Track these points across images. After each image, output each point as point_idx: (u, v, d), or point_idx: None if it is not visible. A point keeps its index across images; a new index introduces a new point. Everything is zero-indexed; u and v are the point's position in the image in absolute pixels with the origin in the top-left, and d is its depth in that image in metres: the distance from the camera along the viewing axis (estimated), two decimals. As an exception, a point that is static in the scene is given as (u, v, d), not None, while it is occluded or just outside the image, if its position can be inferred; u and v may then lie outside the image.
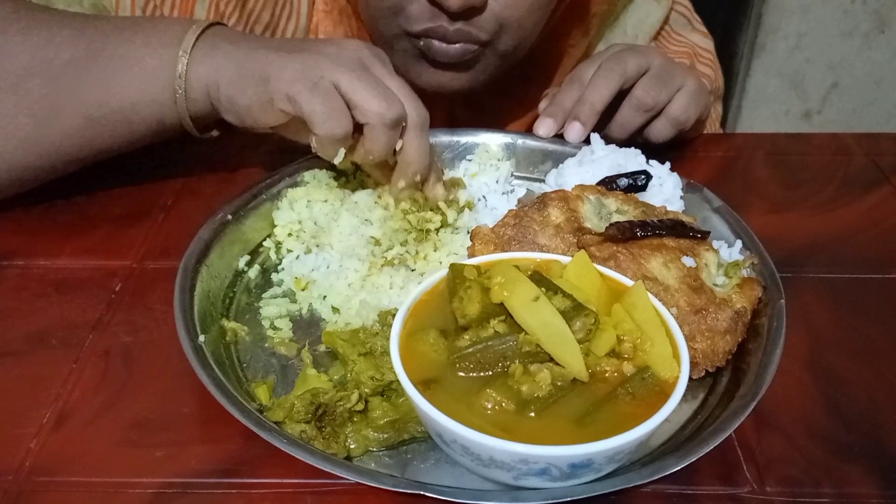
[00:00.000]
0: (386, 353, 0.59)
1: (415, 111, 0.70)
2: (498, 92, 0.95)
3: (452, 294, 0.56)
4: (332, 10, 0.91)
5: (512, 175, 0.85)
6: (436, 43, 0.81)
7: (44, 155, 0.73)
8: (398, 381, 0.51)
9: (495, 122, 0.97)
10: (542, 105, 0.87)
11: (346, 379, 0.60)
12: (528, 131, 0.87)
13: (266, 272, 0.73)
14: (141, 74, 0.71)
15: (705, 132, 0.97)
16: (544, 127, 0.84)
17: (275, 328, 0.67)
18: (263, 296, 0.70)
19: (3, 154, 0.71)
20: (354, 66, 0.68)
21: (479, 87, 0.89)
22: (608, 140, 0.82)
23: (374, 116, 0.66)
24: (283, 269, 0.73)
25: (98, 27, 0.72)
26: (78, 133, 0.72)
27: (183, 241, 0.70)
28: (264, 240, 0.76)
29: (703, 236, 0.68)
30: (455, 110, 1.00)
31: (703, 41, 1.06)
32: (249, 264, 0.74)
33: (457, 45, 0.81)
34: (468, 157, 0.86)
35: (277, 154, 0.86)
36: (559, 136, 0.84)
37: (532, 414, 0.49)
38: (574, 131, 0.82)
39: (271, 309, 0.68)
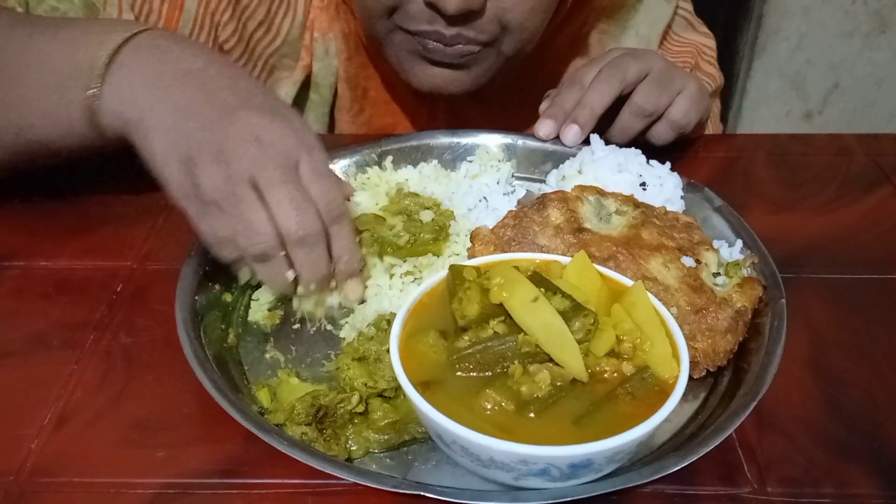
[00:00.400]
0: (379, 359, 0.59)
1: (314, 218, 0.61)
2: (502, 84, 0.95)
3: (452, 295, 0.56)
4: (327, 6, 0.91)
5: (512, 176, 0.85)
6: (430, 44, 0.80)
7: None
8: (397, 382, 0.51)
9: (500, 114, 0.97)
10: (543, 106, 0.87)
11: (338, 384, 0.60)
12: (530, 128, 0.87)
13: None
14: (57, 106, 0.67)
15: (706, 132, 0.97)
16: (545, 128, 0.84)
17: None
18: (254, 299, 0.70)
19: None
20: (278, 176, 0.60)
21: (479, 89, 0.88)
22: (608, 143, 0.82)
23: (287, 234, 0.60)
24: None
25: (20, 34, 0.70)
26: (12, 149, 0.72)
27: (184, 241, 0.70)
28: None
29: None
30: (457, 102, 0.99)
31: (706, 40, 1.06)
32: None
33: (456, 47, 0.80)
34: (469, 158, 0.85)
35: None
36: (557, 137, 0.84)
37: (532, 414, 0.49)
38: (571, 134, 0.82)
39: (257, 315, 0.68)
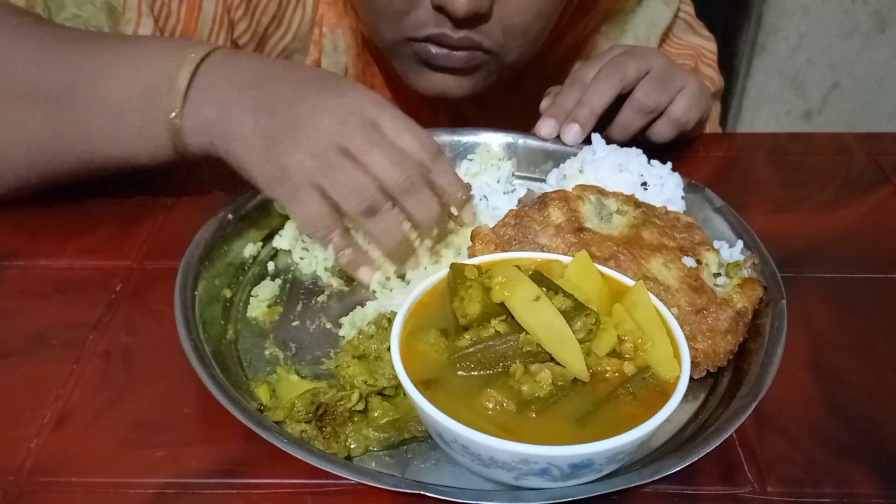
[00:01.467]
0: (379, 357, 0.59)
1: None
2: (503, 85, 0.95)
3: (453, 294, 0.56)
4: (335, 2, 0.91)
5: (513, 175, 0.85)
6: (434, 49, 0.81)
7: (43, 176, 0.74)
8: (398, 381, 0.51)
9: (500, 114, 0.97)
10: (544, 104, 0.87)
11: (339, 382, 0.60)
12: (531, 128, 0.87)
13: (266, 270, 0.73)
14: (137, 131, 0.69)
15: (706, 132, 0.97)
16: (546, 127, 0.84)
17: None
18: (253, 295, 0.70)
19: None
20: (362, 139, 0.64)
21: (481, 93, 0.88)
22: (609, 141, 0.82)
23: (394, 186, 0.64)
24: (276, 270, 0.73)
25: (84, 49, 0.71)
26: (67, 171, 0.73)
27: (183, 241, 0.70)
28: (265, 239, 0.76)
29: None
30: (459, 102, 0.99)
31: (706, 43, 1.07)
32: (250, 263, 0.74)
33: (462, 52, 0.81)
34: (469, 156, 0.85)
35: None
36: (558, 136, 0.84)
37: (533, 414, 0.49)
38: (571, 133, 0.82)
39: (256, 311, 0.69)
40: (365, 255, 0.68)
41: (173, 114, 0.67)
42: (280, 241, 0.75)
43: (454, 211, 0.69)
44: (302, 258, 0.73)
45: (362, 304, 0.68)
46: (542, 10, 0.81)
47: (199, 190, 0.83)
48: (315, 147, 0.63)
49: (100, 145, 0.71)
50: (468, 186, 0.71)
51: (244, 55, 0.72)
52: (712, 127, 1.06)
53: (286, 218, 0.76)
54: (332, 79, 0.69)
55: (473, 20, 0.78)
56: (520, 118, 0.88)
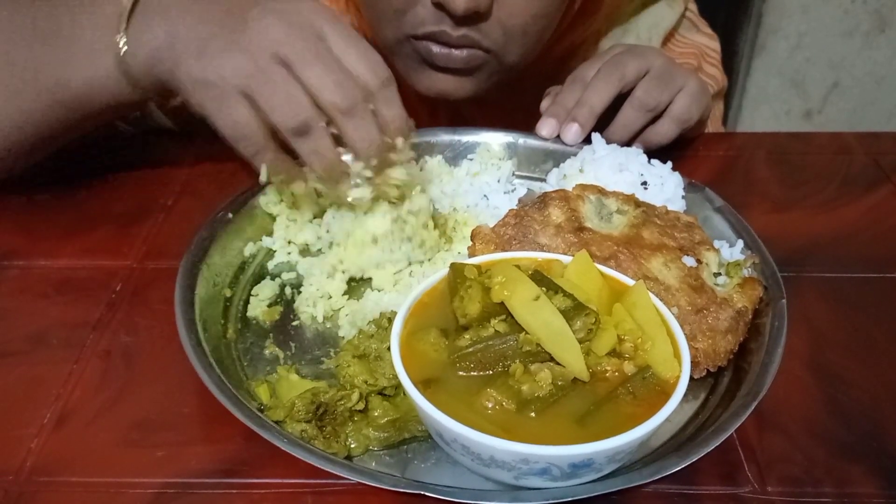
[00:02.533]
0: (380, 357, 0.59)
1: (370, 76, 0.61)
2: (504, 86, 0.95)
3: (453, 293, 0.56)
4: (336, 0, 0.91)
5: (513, 174, 0.85)
6: (434, 48, 0.80)
7: (6, 135, 0.71)
8: (398, 380, 0.51)
9: (500, 114, 0.97)
10: (545, 104, 0.87)
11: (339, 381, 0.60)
12: (531, 128, 0.86)
13: (266, 270, 0.73)
14: (90, 57, 0.67)
15: (706, 131, 0.97)
16: (547, 127, 0.84)
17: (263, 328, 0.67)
18: (254, 294, 0.70)
19: None
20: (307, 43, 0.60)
21: (482, 94, 0.88)
22: (609, 141, 0.81)
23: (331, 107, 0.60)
24: (276, 270, 0.73)
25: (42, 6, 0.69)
26: (39, 113, 0.70)
27: (183, 240, 0.70)
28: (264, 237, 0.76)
29: None
30: (458, 102, 0.99)
31: (709, 42, 1.06)
32: (250, 262, 0.74)
33: (462, 51, 0.81)
34: (469, 156, 0.85)
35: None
36: (558, 136, 0.84)
37: (532, 413, 0.49)
38: (571, 133, 0.82)
39: (257, 311, 0.69)
40: (298, 170, 0.64)
41: (118, 37, 0.64)
42: (268, 241, 0.75)
43: (398, 144, 0.65)
44: (290, 261, 0.73)
45: (357, 299, 0.68)
46: (541, 12, 0.81)
47: (199, 190, 0.83)
48: (251, 50, 0.59)
49: (56, 72, 0.68)
50: (412, 122, 0.66)
51: None
52: (715, 126, 1.06)
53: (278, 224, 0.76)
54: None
55: (473, 18, 0.78)
56: (520, 118, 0.88)
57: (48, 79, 0.69)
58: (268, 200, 0.76)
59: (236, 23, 0.61)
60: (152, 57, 0.65)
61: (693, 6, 1.06)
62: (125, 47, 0.65)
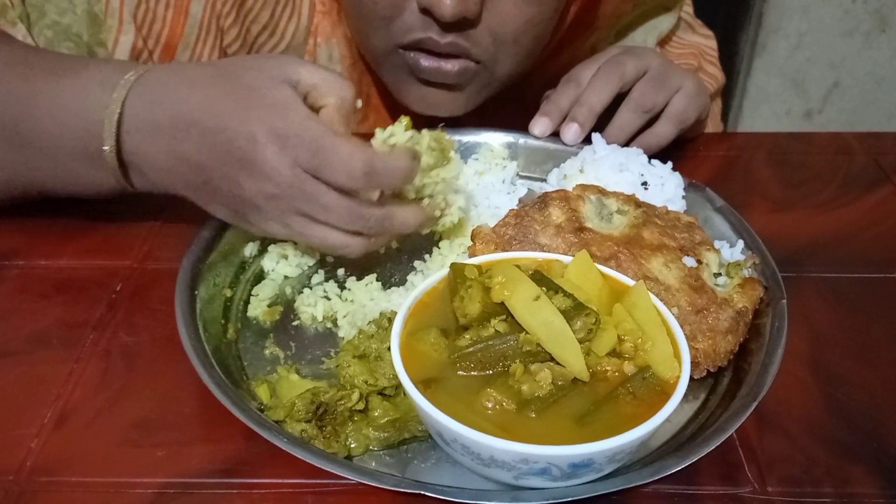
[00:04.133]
0: (380, 357, 0.59)
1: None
2: (499, 96, 0.94)
3: (453, 293, 0.56)
4: (330, 11, 0.90)
5: (516, 175, 0.85)
6: (423, 61, 0.79)
7: None
8: (398, 380, 0.51)
9: (498, 124, 0.97)
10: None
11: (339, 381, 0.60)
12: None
13: (266, 270, 0.73)
14: (70, 171, 0.68)
15: (706, 131, 0.97)
16: (540, 126, 0.84)
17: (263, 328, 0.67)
18: (254, 294, 0.70)
19: None
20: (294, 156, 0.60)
21: (472, 111, 0.86)
22: (607, 143, 0.81)
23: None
24: (272, 271, 0.73)
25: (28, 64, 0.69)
26: (25, 196, 0.72)
27: (184, 240, 0.70)
28: (265, 238, 0.76)
29: None
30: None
31: (706, 41, 1.06)
32: (251, 262, 0.74)
33: (452, 63, 0.79)
34: (473, 156, 0.85)
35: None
36: (557, 135, 0.84)
37: (532, 413, 0.49)
38: (571, 133, 0.82)
39: (257, 311, 0.69)
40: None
41: (108, 156, 0.65)
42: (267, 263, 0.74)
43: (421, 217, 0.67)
44: (287, 276, 0.73)
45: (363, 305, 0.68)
46: (533, 19, 0.79)
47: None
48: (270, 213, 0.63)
49: (46, 181, 0.70)
50: (409, 170, 0.64)
51: (170, 77, 0.65)
52: (714, 122, 1.05)
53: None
54: (246, 80, 0.63)
55: (461, 24, 0.76)
56: (516, 125, 0.88)
57: (27, 183, 0.70)
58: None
59: (230, 154, 0.61)
60: (148, 182, 0.68)
61: (688, 7, 1.06)
62: (114, 165, 0.66)
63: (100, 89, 0.64)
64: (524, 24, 0.79)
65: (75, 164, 0.67)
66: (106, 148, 0.64)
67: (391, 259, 0.75)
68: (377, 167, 0.60)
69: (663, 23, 1.01)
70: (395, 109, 0.98)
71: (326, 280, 0.72)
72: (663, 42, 1.04)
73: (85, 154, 0.66)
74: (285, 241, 0.74)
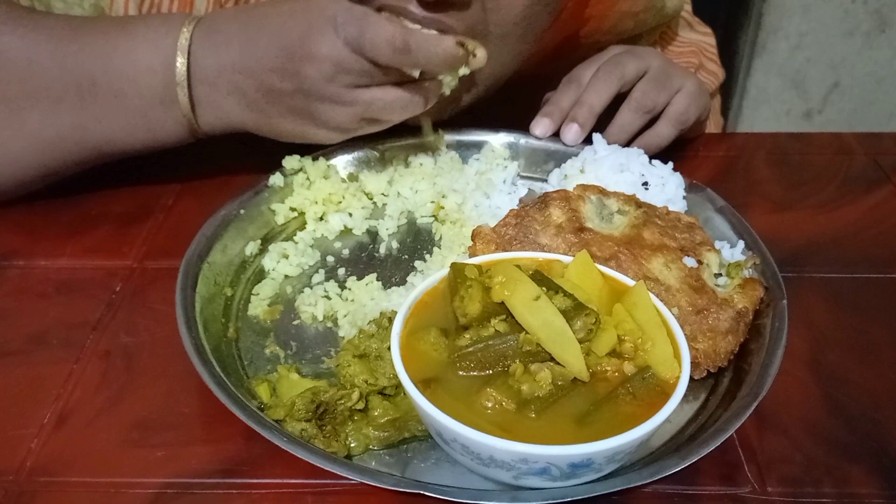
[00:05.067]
0: (380, 356, 0.59)
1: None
2: (497, 98, 0.93)
3: (453, 293, 0.56)
4: None
5: (517, 175, 0.85)
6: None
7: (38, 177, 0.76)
8: (398, 380, 0.51)
9: (507, 110, 0.96)
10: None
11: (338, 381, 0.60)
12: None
13: (265, 270, 0.73)
14: (141, 122, 0.73)
15: (707, 131, 0.97)
16: (541, 127, 0.84)
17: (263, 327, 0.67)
18: (254, 293, 0.70)
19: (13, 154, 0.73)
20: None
21: (466, 109, 0.85)
22: (608, 143, 0.81)
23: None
24: (273, 270, 0.73)
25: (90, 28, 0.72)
26: (78, 162, 0.76)
27: (184, 240, 0.70)
28: (265, 237, 0.76)
29: None
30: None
31: (705, 38, 1.06)
32: (251, 261, 0.74)
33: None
34: (474, 156, 0.85)
35: (278, 153, 0.86)
36: (558, 136, 0.84)
37: (532, 413, 0.49)
38: (571, 133, 0.82)
39: (257, 310, 0.69)
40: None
41: (184, 107, 0.71)
42: (268, 262, 0.74)
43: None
44: (287, 275, 0.73)
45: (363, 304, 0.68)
46: (521, 14, 0.76)
47: (198, 189, 0.83)
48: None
49: (117, 135, 0.73)
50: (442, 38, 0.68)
51: (222, 14, 0.73)
52: (715, 119, 1.05)
53: (281, 222, 0.77)
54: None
55: (445, 5, 0.71)
56: (529, 117, 0.87)
57: (96, 139, 0.74)
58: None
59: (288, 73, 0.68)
60: (221, 120, 0.74)
61: (687, 6, 1.06)
62: (191, 114, 0.72)
63: (165, 36, 0.70)
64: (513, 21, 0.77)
65: (149, 111, 0.72)
66: (181, 92, 0.70)
67: (391, 259, 0.75)
68: (417, 41, 0.65)
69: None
70: None
71: (327, 279, 0.72)
72: (664, 41, 1.04)
73: (159, 100, 0.71)
74: (287, 242, 0.75)
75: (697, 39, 1.05)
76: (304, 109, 0.70)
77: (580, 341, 0.51)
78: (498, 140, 0.86)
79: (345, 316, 0.67)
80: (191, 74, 0.70)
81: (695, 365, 0.60)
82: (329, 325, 0.67)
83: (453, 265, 0.58)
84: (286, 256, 0.73)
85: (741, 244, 0.71)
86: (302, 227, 0.78)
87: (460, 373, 0.52)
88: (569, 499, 0.49)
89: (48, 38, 0.71)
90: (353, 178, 0.82)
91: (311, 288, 0.71)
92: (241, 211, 0.75)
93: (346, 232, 0.78)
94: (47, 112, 0.71)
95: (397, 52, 0.64)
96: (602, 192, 0.72)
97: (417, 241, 0.77)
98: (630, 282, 0.59)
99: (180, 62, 0.69)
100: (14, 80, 0.70)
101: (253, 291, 0.70)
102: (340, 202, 0.80)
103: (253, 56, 0.69)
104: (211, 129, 0.74)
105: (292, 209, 0.78)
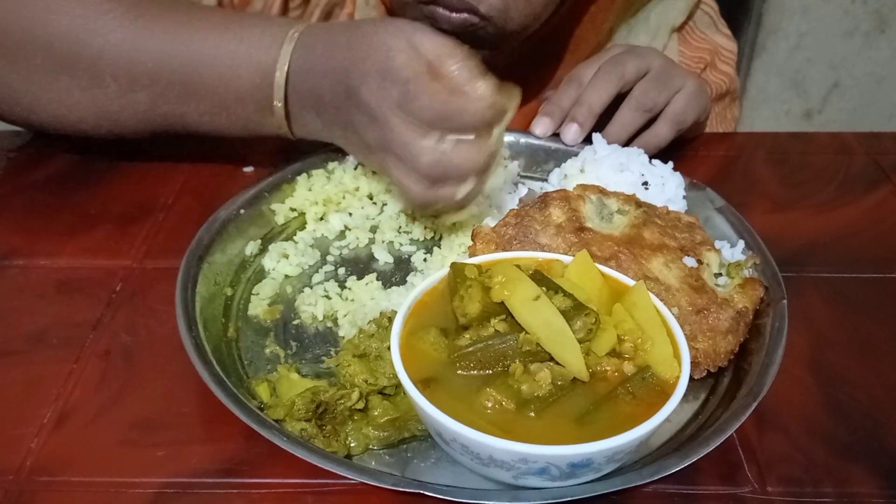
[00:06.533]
0: (380, 356, 0.59)
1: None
2: (513, 76, 0.93)
3: (453, 293, 0.56)
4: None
5: (518, 175, 0.85)
6: (440, 10, 0.78)
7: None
8: (398, 380, 0.51)
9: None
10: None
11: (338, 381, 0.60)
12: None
13: (265, 270, 0.73)
14: (237, 122, 0.77)
15: (707, 131, 0.97)
16: (541, 126, 0.84)
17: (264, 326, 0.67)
18: (254, 293, 0.70)
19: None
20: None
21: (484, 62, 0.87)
22: (607, 142, 0.81)
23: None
24: (273, 270, 0.73)
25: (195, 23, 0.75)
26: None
27: (183, 240, 0.70)
28: (265, 237, 0.76)
29: None
30: None
31: (726, 42, 1.06)
32: (251, 261, 0.74)
33: (457, 15, 0.78)
34: None
35: (278, 153, 0.86)
36: (558, 135, 0.84)
37: (532, 413, 0.49)
38: (571, 132, 0.82)
39: (257, 310, 0.69)
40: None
41: (279, 118, 0.75)
42: (268, 262, 0.74)
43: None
44: (287, 275, 0.73)
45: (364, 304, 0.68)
46: None
47: (199, 189, 0.83)
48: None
49: (215, 129, 0.78)
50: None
51: (321, 35, 0.75)
52: (725, 124, 1.05)
53: (281, 222, 0.77)
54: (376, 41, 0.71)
55: None
56: (529, 109, 0.86)
57: (203, 128, 0.78)
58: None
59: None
60: (311, 135, 0.78)
61: (713, 4, 1.06)
62: (285, 126, 0.77)
63: (269, 44, 0.73)
64: None
65: (248, 115, 0.76)
66: (277, 104, 0.74)
67: (391, 259, 0.75)
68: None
69: (676, 7, 1.00)
70: None
71: (327, 279, 0.72)
72: (680, 29, 1.03)
73: (258, 107, 0.75)
74: (287, 242, 0.75)
75: (718, 41, 1.05)
76: (371, 148, 0.72)
77: (580, 341, 0.51)
78: (498, 140, 0.86)
79: (345, 316, 0.67)
80: (288, 90, 0.73)
81: (695, 365, 0.60)
82: (329, 324, 0.67)
83: (453, 265, 0.58)
84: (286, 256, 0.74)
85: (741, 244, 0.71)
86: (302, 227, 0.78)
87: (460, 372, 0.52)
88: (568, 498, 0.49)
89: (156, 34, 0.74)
90: (353, 178, 0.82)
91: (311, 288, 0.71)
92: (241, 211, 0.75)
93: (347, 232, 0.78)
94: (156, 97, 0.75)
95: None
96: (602, 191, 0.72)
97: (417, 242, 0.77)
98: (630, 282, 0.59)
99: (278, 76, 0.73)
100: (121, 71, 0.74)
101: (253, 291, 0.70)
102: (340, 202, 0.80)
103: (332, 87, 0.72)
104: (305, 137, 0.78)
105: (292, 209, 0.78)
